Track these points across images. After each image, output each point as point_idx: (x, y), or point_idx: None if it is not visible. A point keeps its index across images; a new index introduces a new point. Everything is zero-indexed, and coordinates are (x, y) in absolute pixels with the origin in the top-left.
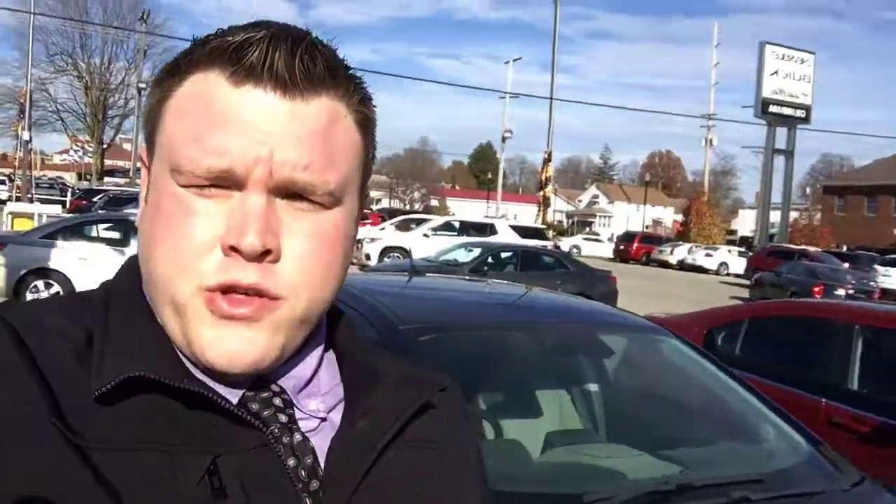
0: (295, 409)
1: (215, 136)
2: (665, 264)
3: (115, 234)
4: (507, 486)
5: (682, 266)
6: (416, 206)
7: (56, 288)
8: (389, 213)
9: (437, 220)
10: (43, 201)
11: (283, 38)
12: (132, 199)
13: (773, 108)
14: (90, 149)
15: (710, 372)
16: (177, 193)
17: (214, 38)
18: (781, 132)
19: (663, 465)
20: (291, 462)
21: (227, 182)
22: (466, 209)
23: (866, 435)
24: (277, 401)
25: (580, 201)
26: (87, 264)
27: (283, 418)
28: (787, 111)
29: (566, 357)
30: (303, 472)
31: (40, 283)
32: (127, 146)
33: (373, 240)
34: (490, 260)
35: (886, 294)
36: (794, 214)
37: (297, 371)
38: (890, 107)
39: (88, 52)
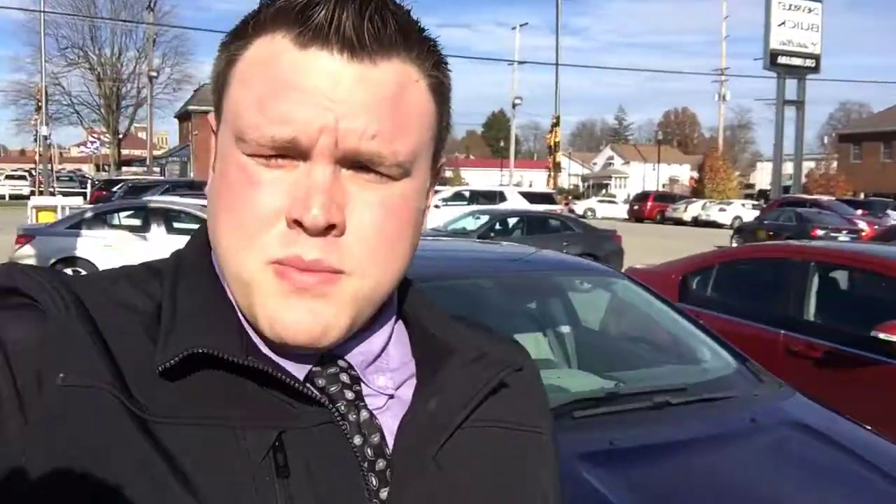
0: (362, 385)
1: (279, 104)
2: (679, 221)
3: (136, 221)
4: None
5: (697, 222)
6: None
7: None
8: None
9: (448, 191)
10: (64, 194)
11: None
12: (150, 187)
13: (782, 60)
14: (106, 140)
15: (656, 306)
16: (242, 163)
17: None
18: (792, 83)
19: (604, 382)
20: (357, 440)
21: (292, 152)
22: (481, 178)
23: (819, 359)
24: (344, 377)
25: (595, 164)
26: (111, 251)
27: (349, 395)
28: (797, 61)
29: (530, 298)
30: (369, 451)
31: (69, 271)
32: (142, 135)
33: None
34: (497, 226)
35: None
36: (810, 164)
37: (365, 346)
38: None
39: (98, 43)
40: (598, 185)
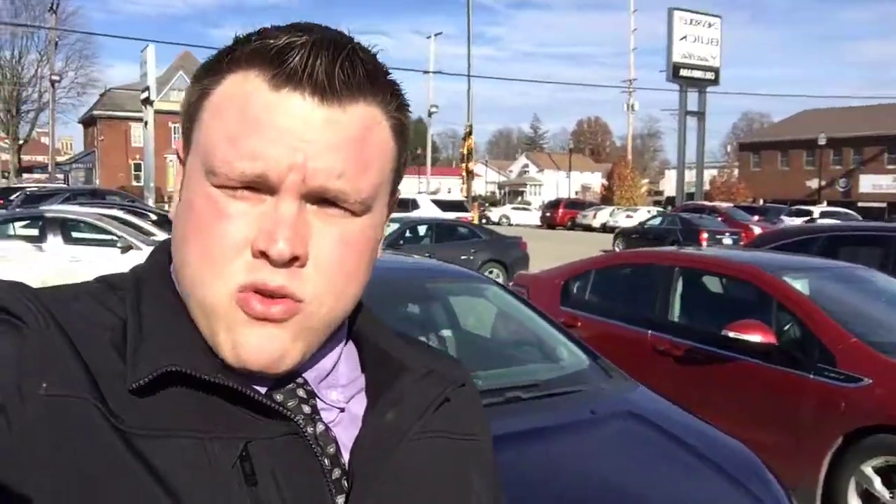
0: (317, 399)
1: (250, 140)
2: (589, 228)
3: (33, 231)
4: None
5: (605, 228)
6: None
7: None
8: None
9: None
10: None
11: (326, 45)
12: (49, 196)
13: (683, 72)
14: (6, 145)
15: (521, 310)
16: (210, 194)
17: (257, 39)
18: (693, 94)
19: None
20: (317, 450)
21: (260, 186)
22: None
23: (680, 357)
24: (301, 392)
25: (511, 171)
26: (5, 262)
27: (306, 409)
28: (698, 74)
29: (399, 302)
30: (326, 461)
31: None
32: (45, 140)
33: None
34: (407, 234)
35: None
36: (713, 172)
37: (318, 364)
38: (805, 64)
39: None
40: (513, 193)
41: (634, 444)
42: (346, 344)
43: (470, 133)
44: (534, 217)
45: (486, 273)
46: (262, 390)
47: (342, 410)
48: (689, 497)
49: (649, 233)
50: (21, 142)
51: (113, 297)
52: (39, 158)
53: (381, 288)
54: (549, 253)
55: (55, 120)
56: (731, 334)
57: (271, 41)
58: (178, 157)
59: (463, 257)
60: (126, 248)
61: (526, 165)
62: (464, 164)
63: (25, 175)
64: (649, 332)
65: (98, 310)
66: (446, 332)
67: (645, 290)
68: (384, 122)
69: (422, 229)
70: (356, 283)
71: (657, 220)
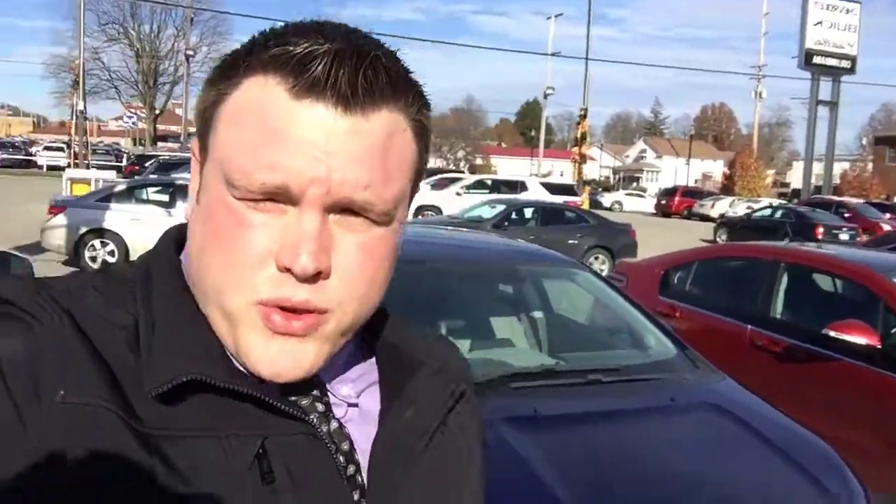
0: (329, 395)
1: (270, 151)
2: (706, 218)
3: (164, 197)
4: None
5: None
6: (461, 166)
7: (111, 246)
8: (428, 173)
9: (470, 179)
10: (99, 167)
11: (349, 53)
12: (180, 164)
13: (817, 59)
14: (143, 115)
15: (612, 296)
16: (230, 204)
17: (275, 44)
18: (827, 83)
19: (547, 360)
20: (331, 448)
21: (281, 197)
22: (511, 167)
23: (779, 354)
24: (315, 391)
25: (627, 156)
26: (138, 224)
27: (320, 407)
28: (832, 62)
29: (497, 283)
30: (341, 458)
31: (97, 242)
32: (178, 111)
33: None
34: (513, 216)
35: None
36: (845, 165)
37: (332, 361)
38: None
39: (138, 20)
40: (629, 178)
41: (710, 433)
42: (357, 339)
43: (584, 116)
44: (648, 204)
45: (592, 259)
46: (278, 386)
47: (354, 405)
48: (761, 488)
49: (756, 224)
50: (157, 112)
51: (121, 291)
52: (173, 128)
53: (472, 268)
54: (659, 241)
55: (189, 92)
56: (833, 334)
57: (292, 48)
58: (195, 157)
59: (570, 242)
60: None
61: (643, 150)
62: (577, 149)
63: (160, 144)
64: (749, 326)
65: (110, 305)
66: (536, 314)
67: (748, 284)
68: (407, 126)
69: (528, 212)
70: (378, 289)
71: (767, 212)
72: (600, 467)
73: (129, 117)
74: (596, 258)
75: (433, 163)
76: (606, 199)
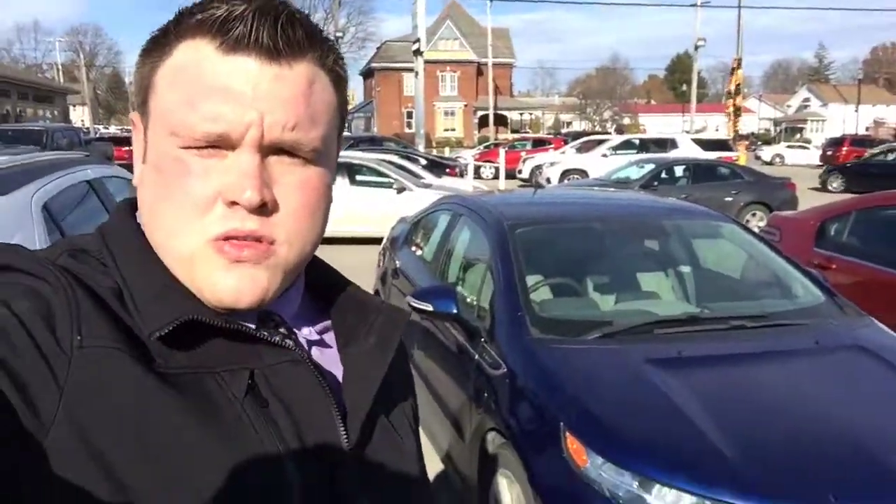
0: (294, 334)
1: (209, 103)
2: None
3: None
4: (566, 315)
5: None
6: (608, 126)
7: None
8: (574, 136)
9: (616, 139)
10: None
11: (266, 10)
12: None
13: None
14: None
15: (759, 248)
16: (177, 155)
17: (200, 11)
18: None
19: (692, 308)
20: (314, 370)
21: (222, 143)
22: (661, 125)
23: None
24: (282, 329)
25: (789, 106)
26: None
27: (289, 343)
28: None
29: (643, 239)
30: (322, 380)
31: None
32: None
33: (553, 163)
34: (663, 175)
35: None
36: None
37: (288, 302)
38: None
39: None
40: (791, 130)
41: (854, 372)
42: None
43: (738, 67)
44: (812, 156)
45: (749, 216)
46: (252, 326)
47: (316, 343)
48: None
49: (875, 168)
50: None
51: (91, 260)
52: None
53: (618, 225)
54: (824, 196)
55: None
56: None
57: (215, 11)
58: (135, 126)
59: (725, 199)
60: (401, 190)
61: (807, 99)
62: (731, 102)
63: None
64: None
65: (91, 271)
66: (682, 268)
67: None
68: (325, 75)
69: (678, 170)
70: (318, 226)
71: (892, 155)
72: (740, 402)
73: None
74: (753, 215)
75: (578, 126)
76: (766, 152)
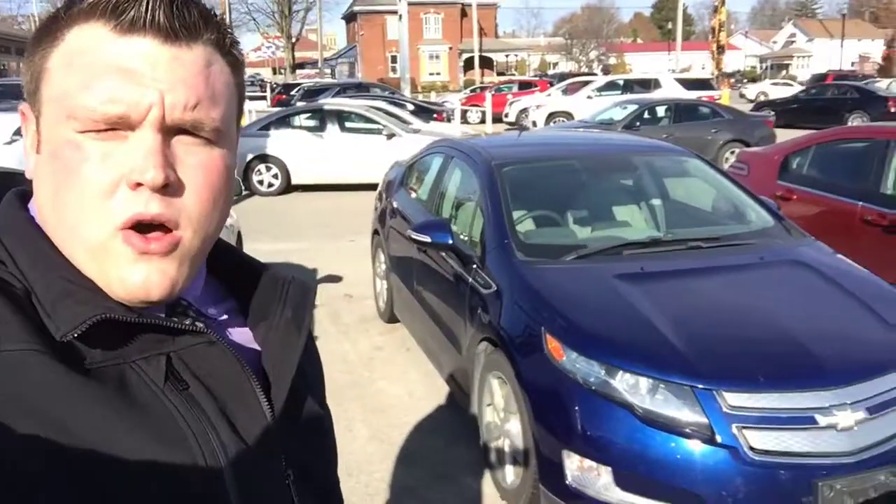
0: (203, 317)
1: (107, 84)
2: None
3: (314, 122)
4: (547, 242)
5: None
6: (594, 67)
7: (274, 170)
8: (560, 78)
9: (601, 81)
10: (249, 98)
11: None
12: (324, 90)
13: None
14: (280, 44)
15: (719, 180)
16: (74, 140)
17: None
18: None
19: (656, 233)
20: (229, 349)
21: (122, 125)
22: (648, 64)
23: (886, 227)
24: (191, 312)
25: (775, 43)
26: (295, 148)
27: (199, 325)
28: None
29: (609, 175)
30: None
31: (262, 167)
32: (312, 37)
33: (538, 106)
34: (645, 115)
35: None
36: None
37: (193, 287)
38: None
39: None
40: (777, 67)
41: (791, 282)
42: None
43: (722, 4)
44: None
45: (728, 153)
46: (161, 312)
47: (225, 323)
48: (828, 324)
49: (797, 103)
50: (294, 40)
51: None
52: (308, 55)
53: (595, 162)
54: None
55: (322, 18)
56: None
57: None
58: (27, 116)
59: (706, 138)
60: (390, 136)
61: (793, 35)
62: (713, 39)
63: (298, 71)
64: (860, 203)
65: None
66: (651, 199)
67: (860, 164)
68: (221, 59)
69: (660, 110)
70: (221, 209)
71: (827, 90)
72: (691, 306)
73: (268, 47)
74: (732, 152)
75: (564, 67)
76: (750, 90)
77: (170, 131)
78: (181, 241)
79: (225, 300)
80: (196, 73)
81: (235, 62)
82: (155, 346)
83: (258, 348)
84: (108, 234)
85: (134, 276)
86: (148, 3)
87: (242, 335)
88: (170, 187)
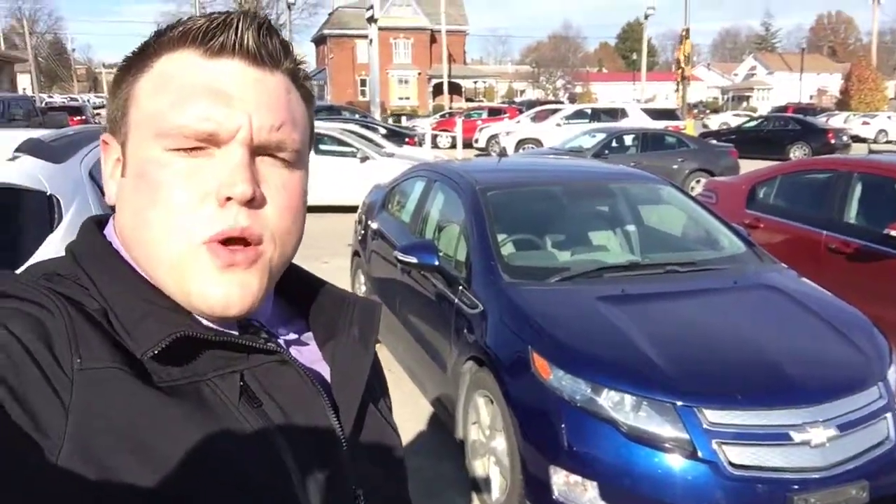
0: (274, 337)
1: (198, 103)
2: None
3: None
4: (531, 264)
5: None
6: (560, 95)
7: None
8: (528, 105)
9: (569, 109)
10: None
11: (248, 20)
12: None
13: None
14: None
15: (692, 207)
16: (162, 159)
17: (181, 25)
18: None
19: (634, 258)
20: (301, 368)
21: (210, 143)
22: (613, 93)
23: (849, 255)
24: (263, 333)
25: (736, 75)
26: None
27: (272, 346)
28: None
29: (588, 201)
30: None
31: None
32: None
33: (508, 133)
34: (613, 144)
35: None
36: None
37: (265, 306)
38: None
39: None
40: (738, 98)
41: (763, 306)
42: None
43: (686, 37)
44: None
45: (694, 182)
46: (235, 332)
47: (294, 343)
48: (799, 345)
49: (752, 133)
50: None
51: (67, 282)
52: None
53: (575, 188)
54: (756, 164)
55: (292, 40)
56: (893, 233)
57: (195, 23)
58: (109, 143)
59: (672, 167)
60: (364, 159)
61: (753, 68)
62: (678, 71)
63: None
64: (825, 232)
65: (73, 292)
66: (627, 225)
67: (824, 195)
68: (296, 90)
69: (628, 139)
70: (299, 228)
71: (769, 122)
72: (670, 327)
73: None
74: (698, 181)
75: (531, 94)
76: (713, 121)
77: (255, 151)
78: (263, 256)
79: (292, 320)
80: (278, 96)
81: (308, 94)
82: (229, 364)
83: (323, 368)
84: (193, 248)
85: (216, 289)
86: (237, 29)
87: (311, 356)
88: (255, 202)
